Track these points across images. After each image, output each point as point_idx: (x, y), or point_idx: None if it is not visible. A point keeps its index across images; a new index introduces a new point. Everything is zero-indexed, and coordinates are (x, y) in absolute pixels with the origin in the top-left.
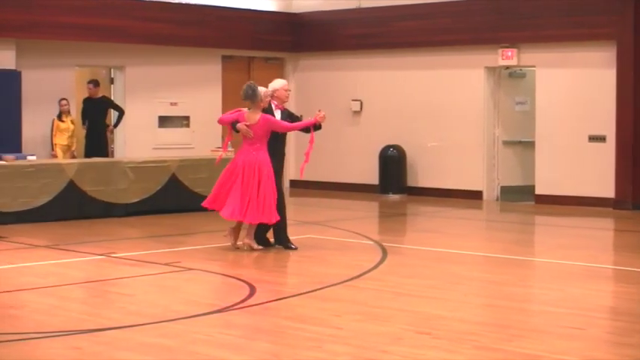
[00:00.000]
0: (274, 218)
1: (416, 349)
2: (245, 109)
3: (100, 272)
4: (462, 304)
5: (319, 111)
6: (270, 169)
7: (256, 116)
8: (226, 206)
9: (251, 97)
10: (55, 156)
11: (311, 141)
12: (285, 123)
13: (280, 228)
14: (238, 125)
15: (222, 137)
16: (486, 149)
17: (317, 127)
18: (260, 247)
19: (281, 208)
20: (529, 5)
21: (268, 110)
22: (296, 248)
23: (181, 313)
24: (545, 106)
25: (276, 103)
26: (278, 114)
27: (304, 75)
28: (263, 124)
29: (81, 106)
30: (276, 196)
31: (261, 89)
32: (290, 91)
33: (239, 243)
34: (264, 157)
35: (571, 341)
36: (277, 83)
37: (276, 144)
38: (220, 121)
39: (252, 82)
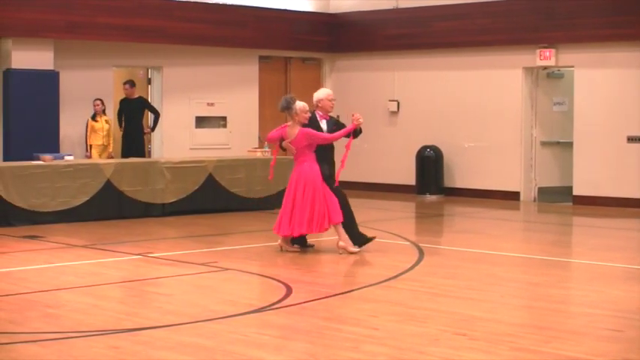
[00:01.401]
0: (323, 227)
1: (453, 350)
2: (288, 124)
3: (138, 272)
4: (499, 306)
5: (354, 115)
6: (319, 179)
7: (295, 131)
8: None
9: (285, 109)
10: (88, 157)
11: (347, 147)
12: (324, 135)
13: (347, 226)
14: (283, 143)
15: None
16: (524, 150)
17: (357, 132)
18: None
19: (344, 208)
20: (567, 5)
21: (313, 120)
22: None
23: (219, 313)
24: (583, 106)
25: (320, 113)
26: (324, 124)
27: (341, 75)
28: (302, 138)
29: (117, 106)
30: (327, 203)
31: (298, 104)
32: (334, 100)
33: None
34: (310, 168)
35: (609, 343)
36: (321, 93)
37: (324, 151)
38: (268, 139)
39: (290, 95)
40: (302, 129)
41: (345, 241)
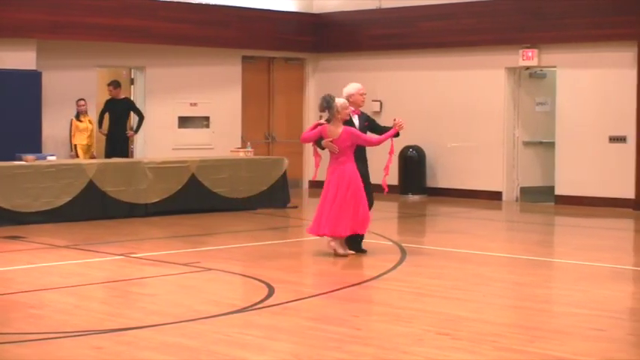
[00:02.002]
0: (366, 227)
1: (437, 350)
2: (322, 121)
3: (121, 272)
4: (483, 305)
5: (395, 119)
6: (359, 179)
7: (338, 130)
8: (313, 223)
9: (326, 109)
10: (74, 157)
11: (391, 152)
12: (369, 138)
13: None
14: (324, 142)
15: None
16: (506, 150)
17: (396, 135)
18: (351, 252)
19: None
20: (550, 6)
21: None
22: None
23: (202, 313)
24: (566, 106)
25: (352, 108)
26: (356, 119)
27: (325, 75)
28: (346, 137)
29: (101, 107)
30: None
31: (338, 100)
32: (365, 94)
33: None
34: (351, 169)
35: (593, 342)
36: (352, 88)
37: (360, 150)
38: (304, 140)
39: (329, 94)
40: (346, 128)
41: (338, 244)
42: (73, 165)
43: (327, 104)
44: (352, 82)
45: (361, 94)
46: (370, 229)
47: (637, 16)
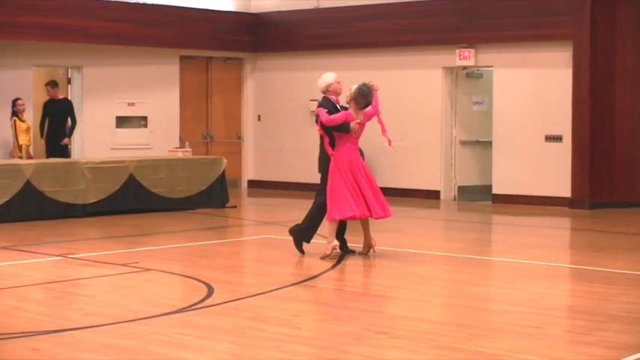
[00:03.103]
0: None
1: (376, 349)
2: (327, 106)
3: (59, 273)
4: (422, 304)
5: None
6: None
7: (361, 115)
8: (372, 208)
9: (368, 95)
10: (23, 157)
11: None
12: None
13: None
14: (354, 124)
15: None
16: (444, 149)
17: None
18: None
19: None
20: (487, 6)
21: (331, 106)
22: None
23: (141, 314)
24: (503, 106)
25: (334, 97)
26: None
27: (263, 75)
28: (368, 119)
29: (40, 108)
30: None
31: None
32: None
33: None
34: (360, 155)
35: (530, 340)
36: (330, 77)
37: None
38: (330, 122)
39: (364, 83)
40: (365, 111)
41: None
42: (10, 165)
43: (368, 90)
44: (290, 81)
45: (338, 82)
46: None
47: (573, 16)
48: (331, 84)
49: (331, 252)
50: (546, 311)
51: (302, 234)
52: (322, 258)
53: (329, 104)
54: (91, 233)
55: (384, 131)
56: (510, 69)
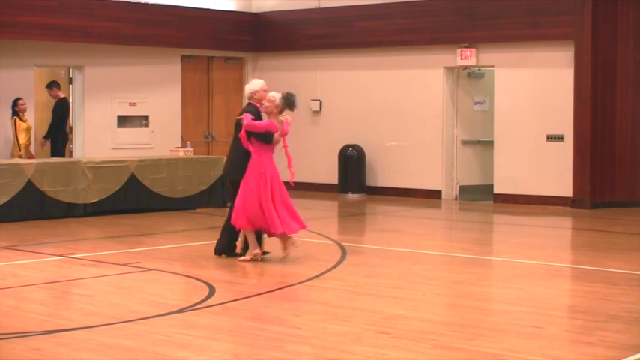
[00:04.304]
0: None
1: (376, 349)
2: (286, 117)
3: (60, 273)
4: (422, 304)
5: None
6: None
7: (279, 124)
8: (283, 222)
9: (293, 104)
10: (22, 157)
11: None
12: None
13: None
14: (278, 135)
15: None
16: (445, 149)
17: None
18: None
19: None
20: (488, 5)
21: (256, 113)
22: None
23: (141, 314)
24: (504, 105)
25: (258, 105)
26: (265, 117)
27: (264, 75)
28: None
29: (39, 106)
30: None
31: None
32: (268, 90)
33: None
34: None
35: (530, 340)
36: (256, 84)
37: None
38: (252, 127)
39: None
40: (286, 121)
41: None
42: (11, 165)
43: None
44: (291, 81)
45: (265, 90)
46: (311, 229)
47: (574, 16)
48: (257, 91)
49: (251, 258)
50: (547, 311)
51: (228, 247)
52: (241, 260)
53: (254, 110)
54: (91, 233)
55: (290, 164)
56: (512, 69)
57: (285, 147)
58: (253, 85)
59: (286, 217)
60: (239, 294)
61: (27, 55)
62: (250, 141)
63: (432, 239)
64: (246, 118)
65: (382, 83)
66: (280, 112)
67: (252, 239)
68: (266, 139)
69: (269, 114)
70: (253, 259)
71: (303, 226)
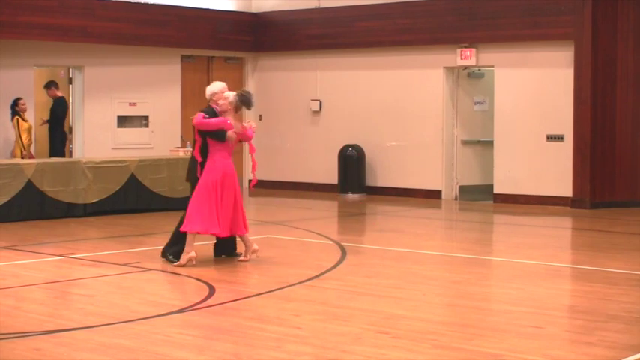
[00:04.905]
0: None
1: (376, 349)
2: (251, 123)
3: (60, 273)
4: (422, 304)
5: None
6: None
7: (239, 124)
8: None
9: (249, 102)
10: (27, 157)
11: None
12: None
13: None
14: (231, 133)
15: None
16: (445, 149)
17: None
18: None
19: None
20: (488, 5)
21: (214, 115)
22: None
23: (141, 314)
24: (504, 105)
25: (217, 107)
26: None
27: (264, 75)
28: (240, 137)
29: (40, 106)
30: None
31: (217, 90)
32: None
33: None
34: (232, 166)
35: (531, 340)
36: (216, 87)
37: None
38: (202, 125)
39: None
40: (244, 131)
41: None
42: (11, 165)
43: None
44: (291, 81)
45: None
46: (311, 229)
47: (574, 16)
48: (216, 93)
49: (187, 262)
50: (546, 311)
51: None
52: (176, 265)
53: (209, 111)
54: (91, 233)
55: (254, 169)
56: (511, 69)
57: (251, 153)
58: (213, 87)
59: (226, 220)
60: (239, 294)
61: (27, 55)
62: (206, 141)
63: (432, 239)
64: (197, 117)
65: (382, 83)
66: (236, 110)
67: (190, 240)
68: (218, 137)
69: (224, 112)
70: (189, 264)
71: (241, 232)
